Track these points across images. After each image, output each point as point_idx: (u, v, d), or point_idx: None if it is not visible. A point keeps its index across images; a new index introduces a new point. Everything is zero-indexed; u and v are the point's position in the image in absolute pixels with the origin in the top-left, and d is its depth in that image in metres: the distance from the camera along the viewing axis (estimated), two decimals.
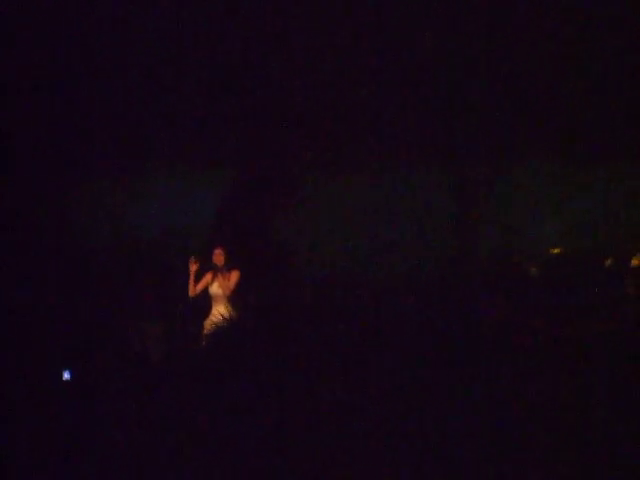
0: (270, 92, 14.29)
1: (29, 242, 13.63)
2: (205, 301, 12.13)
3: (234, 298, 11.80)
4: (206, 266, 12.02)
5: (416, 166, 14.29)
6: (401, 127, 14.19)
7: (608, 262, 12.33)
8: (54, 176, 14.23)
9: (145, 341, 12.23)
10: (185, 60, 14.23)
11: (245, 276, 12.01)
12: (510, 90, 14.15)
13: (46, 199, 14.22)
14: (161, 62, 14.19)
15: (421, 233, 14.09)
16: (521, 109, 14.20)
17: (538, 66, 14.16)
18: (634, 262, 12.54)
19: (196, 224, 14.28)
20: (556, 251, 13.06)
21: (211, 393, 7.65)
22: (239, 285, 11.92)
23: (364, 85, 14.24)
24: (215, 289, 11.95)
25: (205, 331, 11.45)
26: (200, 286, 12.04)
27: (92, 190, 14.57)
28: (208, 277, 12.04)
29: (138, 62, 14.17)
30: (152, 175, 14.60)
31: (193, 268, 11.99)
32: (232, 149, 14.51)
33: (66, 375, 8.34)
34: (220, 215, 14.58)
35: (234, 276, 11.93)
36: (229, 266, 11.96)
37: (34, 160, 14.05)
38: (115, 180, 14.51)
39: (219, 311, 11.47)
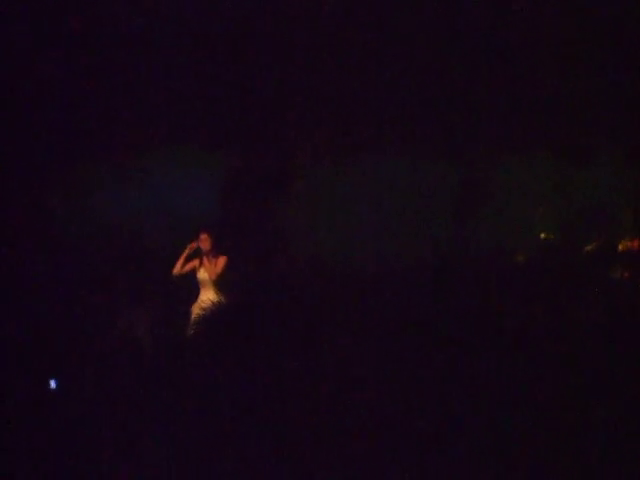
0: (271, 78, 14.22)
1: (15, 231, 13.59)
2: (193, 286, 12.17)
3: (221, 283, 11.84)
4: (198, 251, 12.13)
5: (414, 156, 14.30)
6: (399, 116, 14.20)
7: (592, 247, 12.39)
8: (43, 163, 14.18)
9: (134, 327, 12.25)
10: (183, 44, 14.16)
11: (237, 262, 12.08)
12: (507, 84, 14.18)
13: (34, 187, 14.17)
14: (157, 46, 14.14)
15: (417, 222, 14.11)
16: (515, 102, 14.25)
17: (534, 62, 14.22)
18: (621, 247, 12.60)
19: (187, 210, 14.26)
20: (548, 236, 13.11)
21: (200, 380, 7.64)
22: (226, 270, 11.97)
23: (366, 75, 14.21)
24: (202, 274, 12.02)
25: (193, 316, 11.55)
26: (186, 268, 12.11)
27: (79, 177, 14.52)
28: (195, 262, 12.11)
29: (134, 47, 14.11)
30: (142, 160, 14.56)
31: (189, 248, 12.07)
32: (227, 134, 14.47)
33: (52, 384, 8.29)
34: (214, 200, 14.56)
35: (221, 261, 11.99)
36: (216, 251, 12.03)
37: (19, 148, 14.01)
38: (103, 166, 14.46)
39: (207, 296, 11.56)
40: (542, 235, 13.23)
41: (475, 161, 14.44)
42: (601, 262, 11.30)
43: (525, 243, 12.72)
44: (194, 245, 12.08)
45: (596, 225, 13.55)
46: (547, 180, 14.38)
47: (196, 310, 11.49)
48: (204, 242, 12.07)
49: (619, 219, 13.83)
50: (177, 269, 12.14)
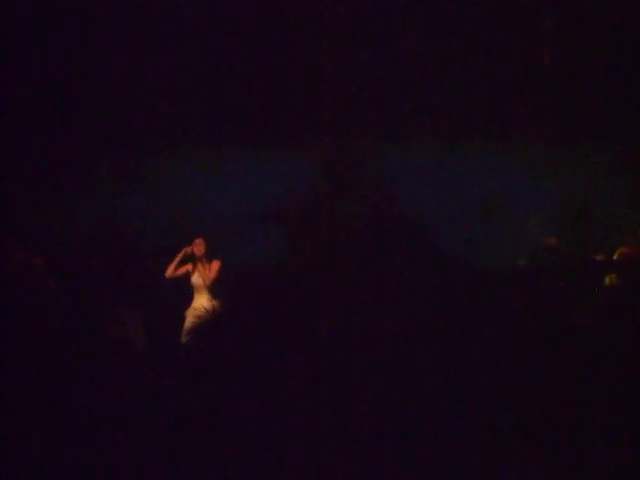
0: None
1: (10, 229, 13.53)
2: (186, 289, 12.12)
3: (215, 288, 11.80)
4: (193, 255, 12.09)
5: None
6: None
7: (594, 255, 12.33)
8: (42, 166, 14.14)
9: (126, 329, 12.17)
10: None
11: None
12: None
13: (29, 190, 14.12)
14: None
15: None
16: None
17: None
18: (616, 255, 12.55)
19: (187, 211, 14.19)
20: (548, 242, 13.07)
21: (193, 386, 7.59)
22: (220, 275, 11.93)
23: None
24: (196, 279, 11.99)
25: (187, 322, 11.49)
26: (179, 272, 12.07)
27: (76, 179, 14.47)
28: (188, 266, 12.08)
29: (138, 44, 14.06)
30: (134, 163, 14.50)
31: (184, 252, 12.04)
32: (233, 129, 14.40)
33: None
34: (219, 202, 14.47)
35: (215, 266, 11.96)
36: (210, 256, 12.01)
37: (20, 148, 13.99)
38: (101, 169, 14.42)
39: (201, 302, 11.54)
40: (542, 240, 13.16)
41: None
42: (600, 269, 11.28)
43: (525, 248, 12.63)
44: (188, 250, 12.06)
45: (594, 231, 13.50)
46: (545, 185, 14.34)
47: (190, 316, 11.47)
48: (198, 247, 12.06)
49: (618, 226, 13.77)
50: (169, 272, 12.13)
